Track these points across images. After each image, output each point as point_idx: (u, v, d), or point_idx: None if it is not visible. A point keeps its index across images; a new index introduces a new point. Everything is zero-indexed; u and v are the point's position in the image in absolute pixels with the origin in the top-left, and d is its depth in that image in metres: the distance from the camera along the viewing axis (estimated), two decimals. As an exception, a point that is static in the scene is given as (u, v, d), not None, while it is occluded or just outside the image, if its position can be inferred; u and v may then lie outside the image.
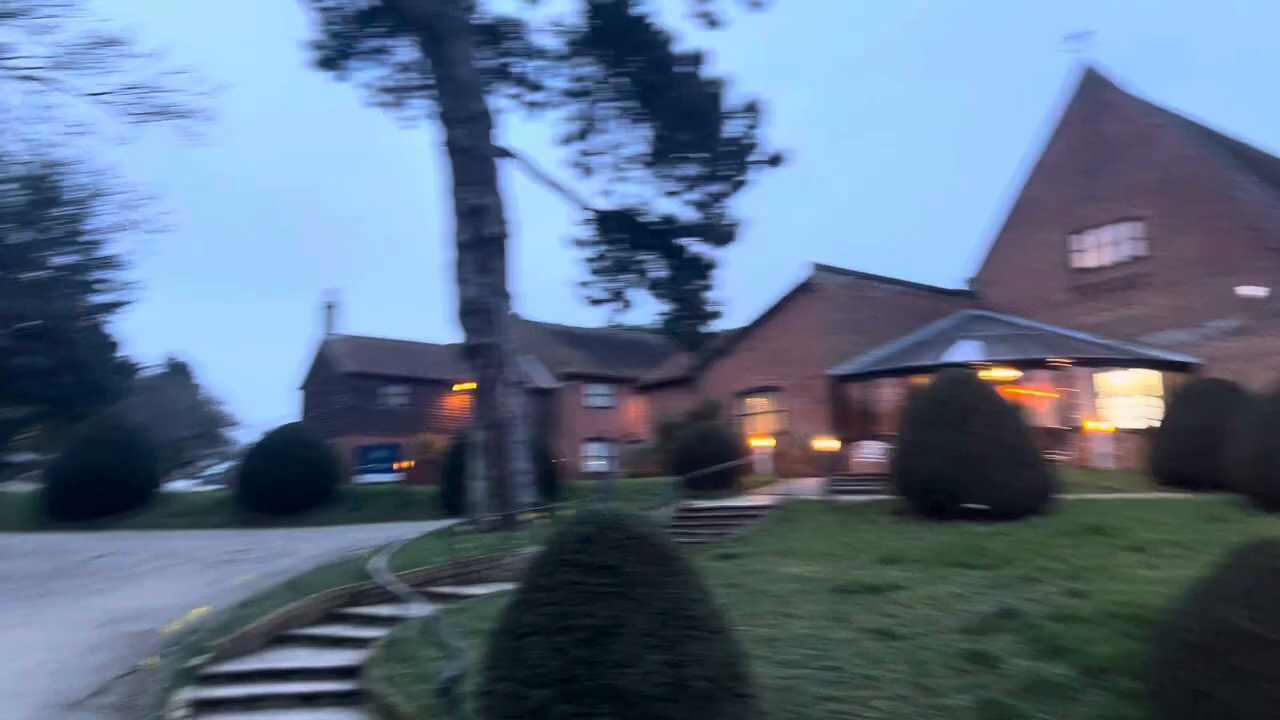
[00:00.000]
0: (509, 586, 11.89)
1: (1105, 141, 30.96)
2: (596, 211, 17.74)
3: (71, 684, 9.19)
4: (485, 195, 15.61)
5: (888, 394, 28.51)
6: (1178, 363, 27.68)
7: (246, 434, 66.17)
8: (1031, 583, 9.42)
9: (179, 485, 35.93)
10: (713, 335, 18.26)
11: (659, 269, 17.54)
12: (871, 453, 26.31)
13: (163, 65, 30.52)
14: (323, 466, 23.67)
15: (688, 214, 17.15)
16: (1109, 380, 27.49)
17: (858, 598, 9.44)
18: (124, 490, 23.61)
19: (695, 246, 17.41)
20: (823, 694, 7.08)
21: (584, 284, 18.47)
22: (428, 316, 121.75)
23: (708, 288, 17.92)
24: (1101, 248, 30.72)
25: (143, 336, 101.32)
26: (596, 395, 56.34)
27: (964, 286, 33.94)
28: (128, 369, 42.97)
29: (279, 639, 10.44)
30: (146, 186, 23.57)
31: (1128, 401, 27.48)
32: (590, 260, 18.15)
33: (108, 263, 36.34)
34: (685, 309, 17.62)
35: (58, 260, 36.55)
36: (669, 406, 33.84)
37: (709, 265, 17.64)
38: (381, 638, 9.74)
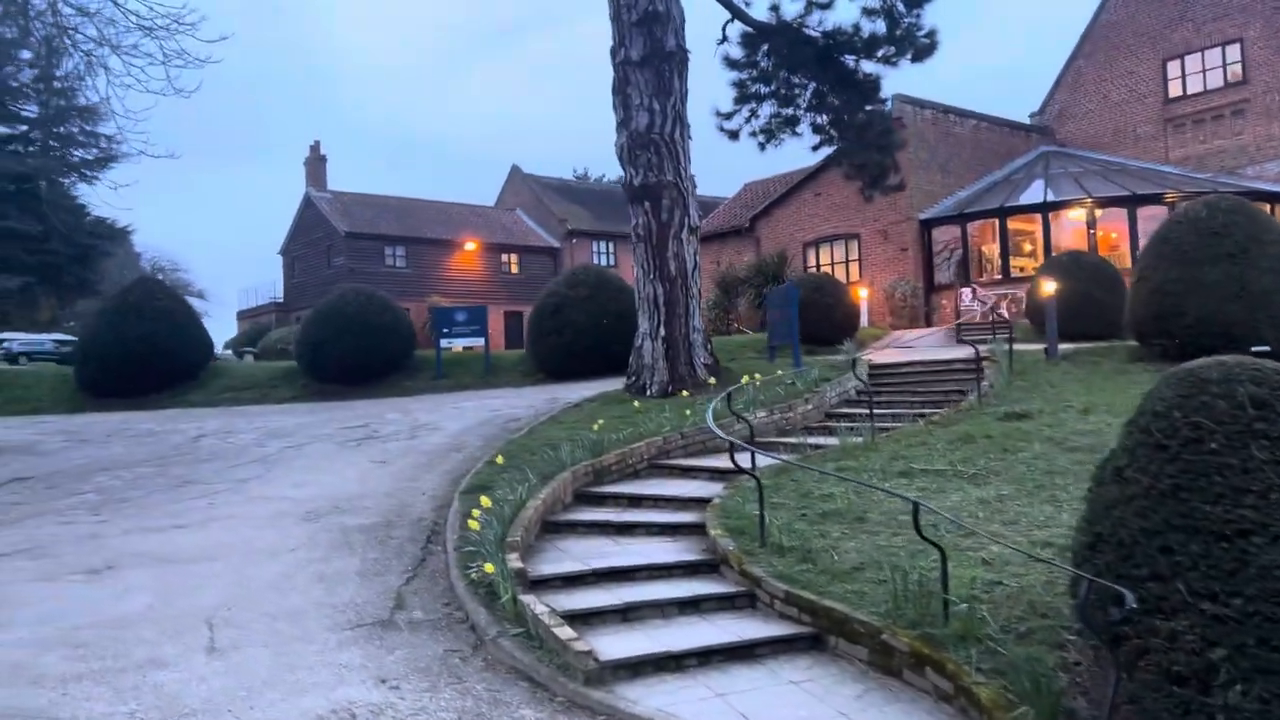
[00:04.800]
0: (776, 460, 10.51)
1: (1205, -46, 28.76)
2: (753, 24, 15.39)
3: (350, 596, 7.65)
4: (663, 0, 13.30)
5: (982, 237, 27.10)
6: (1283, 196, 26.54)
7: (213, 305, 63.09)
8: None
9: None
10: (896, 168, 16.40)
11: (823, 93, 15.44)
12: (970, 300, 25.08)
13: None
14: (398, 332, 21.76)
15: (857, 25, 14.90)
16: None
17: None
18: (175, 363, 21.54)
19: (867, 66, 15.33)
20: None
21: (726, 114, 16.35)
22: (409, 176, 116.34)
23: (881, 115, 15.90)
24: (1196, 74, 28.98)
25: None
26: (600, 253, 54.41)
27: (1038, 122, 32.15)
28: (106, 233, 39.81)
29: (548, 528, 8.97)
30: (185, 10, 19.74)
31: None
32: (741, 84, 15.96)
33: (87, 113, 32.78)
34: (856, 141, 15.66)
35: (29, 112, 32.93)
36: (723, 260, 32.08)
37: (876, 88, 15.59)
38: (705, 521, 8.32)
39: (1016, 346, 15.16)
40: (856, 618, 6.20)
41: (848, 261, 28.58)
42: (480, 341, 22.25)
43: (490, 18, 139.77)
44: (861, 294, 24.83)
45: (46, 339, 35.86)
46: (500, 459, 10.40)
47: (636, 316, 14.62)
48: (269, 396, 21.12)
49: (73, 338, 34.29)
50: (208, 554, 8.80)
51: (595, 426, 11.26)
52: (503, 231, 52.19)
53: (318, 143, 47.74)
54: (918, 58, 14.84)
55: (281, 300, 49.36)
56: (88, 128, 33.48)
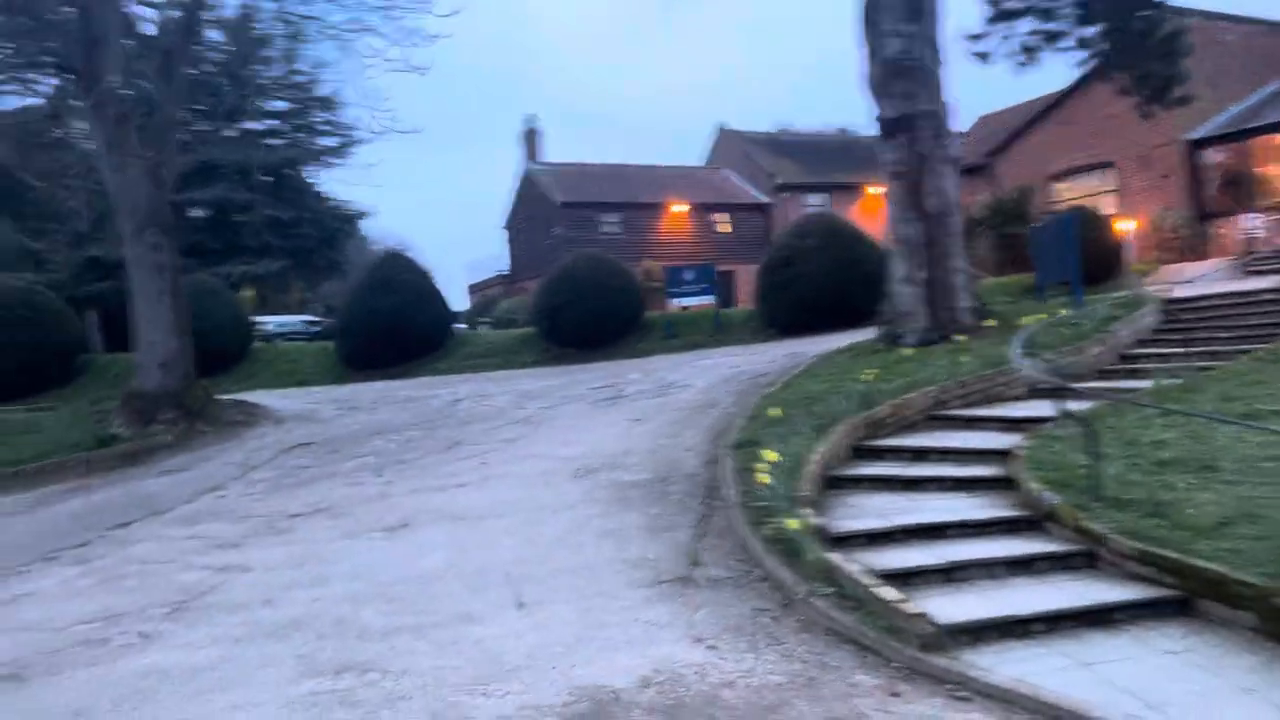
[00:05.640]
0: (1082, 405, 9.52)
1: None
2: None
3: (641, 552, 7.46)
4: (913, -87, 12.32)
5: (1262, 156, 24.06)
6: None
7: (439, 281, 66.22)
8: None
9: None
10: (1182, 79, 14.61)
11: (1088, 2, 13.84)
12: (1252, 227, 22.36)
13: None
14: (629, 295, 21.88)
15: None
16: None
17: None
18: (423, 334, 22.62)
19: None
20: None
21: (976, 36, 15.08)
22: (612, 146, 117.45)
23: (1162, 19, 14.12)
24: None
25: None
26: (811, 206, 52.89)
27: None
28: (348, 215, 42.48)
29: (829, 483, 8.44)
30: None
31: None
32: (994, 1, 14.64)
33: (327, 102, 34.96)
34: (1137, 51, 13.99)
35: (275, 105, 35.45)
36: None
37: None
38: (1011, 474, 7.59)
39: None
40: (1239, 579, 5.35)
41: (1101, 193, 26.17)
42: (708, 300, 22.03)
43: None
44: (1125, 227, 22.61)
45: (297, 319, 38.75)
46: (774, 411, 9.96)
47: (889, 261, 13.76)
48: (510, 362, 21.75)
49: (319, 318, 36.90)
50: (492, 511, 8.92)
51: (864, 377, 10.61)
52: (711, 191, 51.82)
53: (532, 116, 48.83)
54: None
55: (507, 272, 51.18)
56: (328, 116, 35.74)
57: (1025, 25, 14.69)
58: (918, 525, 7.03)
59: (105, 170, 16.41)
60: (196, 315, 17.82)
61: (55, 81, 18.31)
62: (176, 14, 17.16)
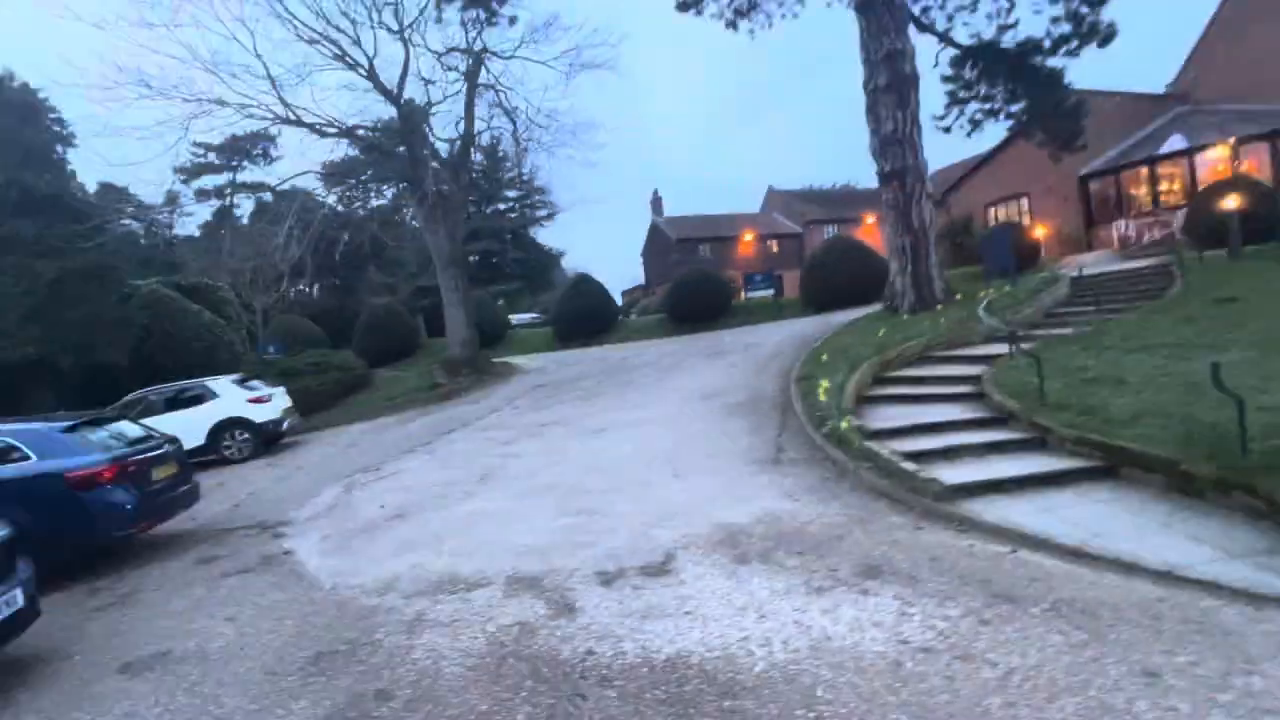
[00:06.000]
0: (1026, 346, 8.67)
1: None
2: (959, 47, 12.86)
3: (747, 444, 7.23)
4: (900, 40, 11.39)
5: (1132, 182, 21.31)
6: None
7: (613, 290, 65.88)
8: None
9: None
10: (1082, 131, 13.15)
11: (1015, 90, 12.53)
12: (1125, 230, 19.87)
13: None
14: (721, 292, 21.38)
15: (1049, 30, 11.82)
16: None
17: None
18: (600, 320, 22.76)
19: (1054, 61, 12.18)
20: None
21: (940, 116, 13.90)
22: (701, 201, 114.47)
23: (1069, 94, 12.68)
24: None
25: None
26: (829, 233, 50.23)
27: (1173, 90, 24.50)
28: (553, 255, 43.15)
29: (861, 400, 7.95)
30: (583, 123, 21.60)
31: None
32: (952, 93, 13.48)
33: (539, 190, 35.42)
34: (1052, 115, 12.65)
35: (510, 192, 36.10)
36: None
37: (1062, 75, 12.38)
38: (983, 390, 6.96)
39: (1185, 255, 11.55)
40: (1151, 453, 4.74)
41: (1020, 214, 23.80)
42: (769, 292, 21.27)
43: (744, 91, 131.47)
44: (1038, 232, 20.51)
45: (529, 316, 39.63)
46: (823, 356, 9.50)
47: (888, 261, 12.89)
48: (651, 335, 21.57)
49: (540, 314, 37.71)
50: (653, 420, 8.85)
51: (878, 334, 9.99)
52: (765, 225, 50.05)
53: (656, 190, 48.22)
54: (1103, 44, 11.44)
55: (643, 284, 51.02)
56: (541, 198, 36.24)
57: (973, 107, 13.38)
58: (924, 424, 6.56)
59: (425, 235, 17.09)
60: (477, 316, 18.36)
61: (393, 191, 19.15)
62: (457, 144, 17.66)
